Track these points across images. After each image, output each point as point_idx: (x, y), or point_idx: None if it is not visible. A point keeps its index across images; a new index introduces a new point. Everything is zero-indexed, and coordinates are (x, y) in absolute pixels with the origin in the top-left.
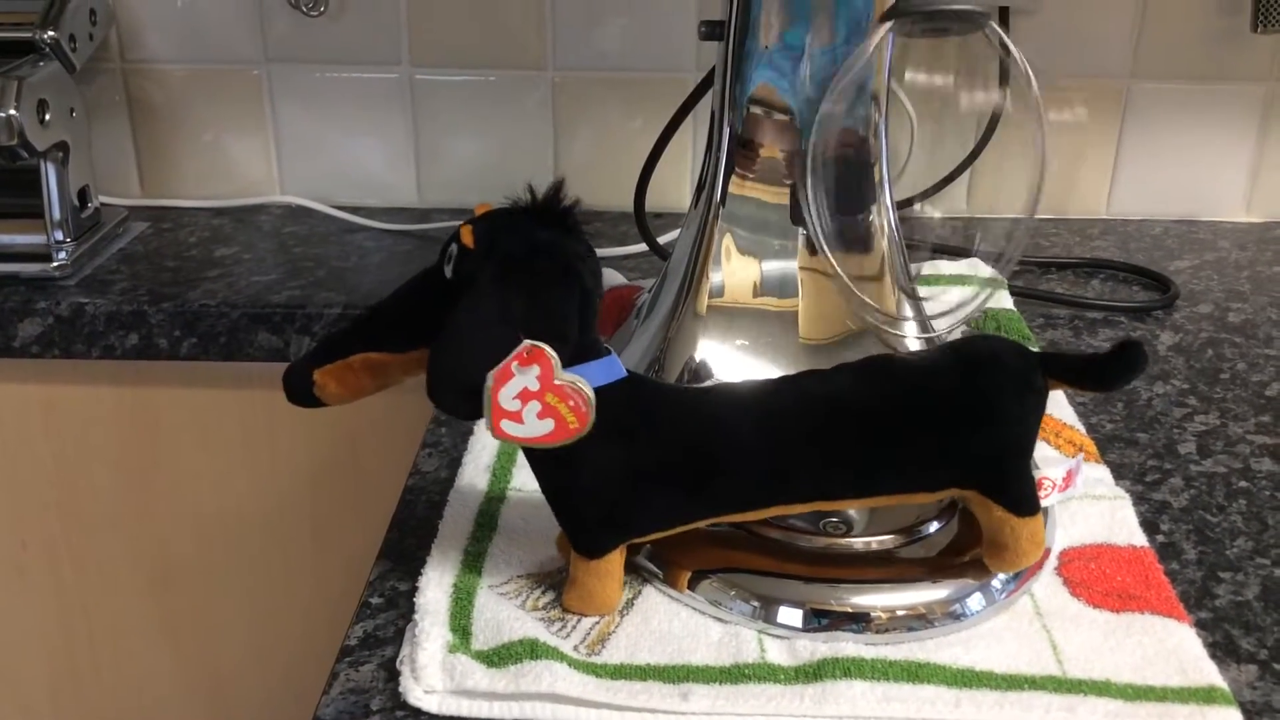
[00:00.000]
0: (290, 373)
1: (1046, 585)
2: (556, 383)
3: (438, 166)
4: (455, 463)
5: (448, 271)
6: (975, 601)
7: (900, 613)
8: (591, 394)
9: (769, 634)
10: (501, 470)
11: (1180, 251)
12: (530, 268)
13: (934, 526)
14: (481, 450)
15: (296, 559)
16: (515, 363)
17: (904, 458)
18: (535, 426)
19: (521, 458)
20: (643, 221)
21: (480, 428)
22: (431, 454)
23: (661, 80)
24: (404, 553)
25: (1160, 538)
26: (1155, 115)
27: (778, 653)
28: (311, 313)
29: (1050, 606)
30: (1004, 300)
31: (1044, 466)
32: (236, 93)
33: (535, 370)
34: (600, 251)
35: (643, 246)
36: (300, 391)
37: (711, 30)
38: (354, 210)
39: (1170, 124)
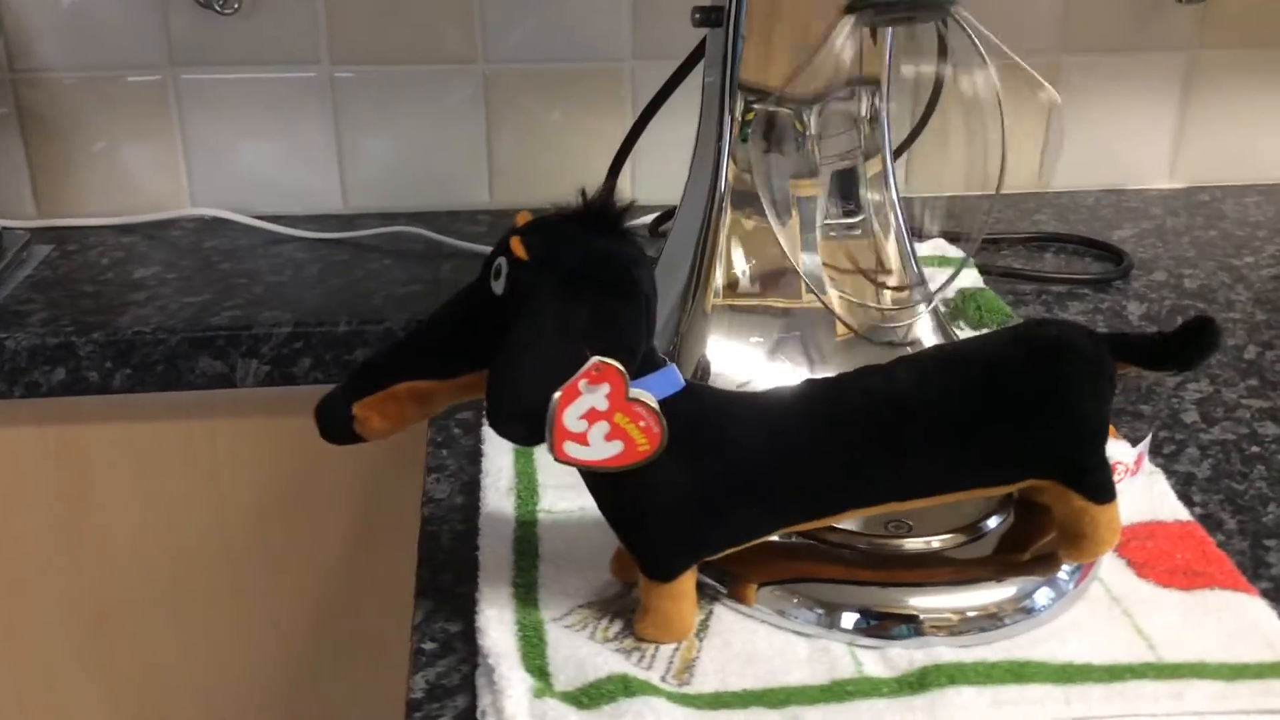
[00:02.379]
0: (325, 409)
1: (1112, 569)
2: (627, 401)
3: (362, 169)
4: (469, 487)
5: (497, 288)
6: (1043, 596)
7: (971, 613)
8: (661, 414)
9: (858, 645)
10: (526, 492)
11: (1118, 221)
12: (593, 278)
13: (993, 522)
14: (498, 473)
15: (247, 594)
16: (584, 380)
17: (979, 454)
18: (601, 449)
19: (546, 477)
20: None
21: (490, 447)
22: (440, 479)
23: (595, 71)
24: (442, 590)
25: (1197, 509)
26: (1085, 87)
27: (874, 664)
28: (259, 333)
29: (1122, 591)
30: (974, 279)
31: (1113, 451)
32: (138, 100)
33: (605, 389)
34: (485, 248)
35: None
36: (338, 428)
37: (707, 17)
38: (274, 219)
39: (1098, 95)
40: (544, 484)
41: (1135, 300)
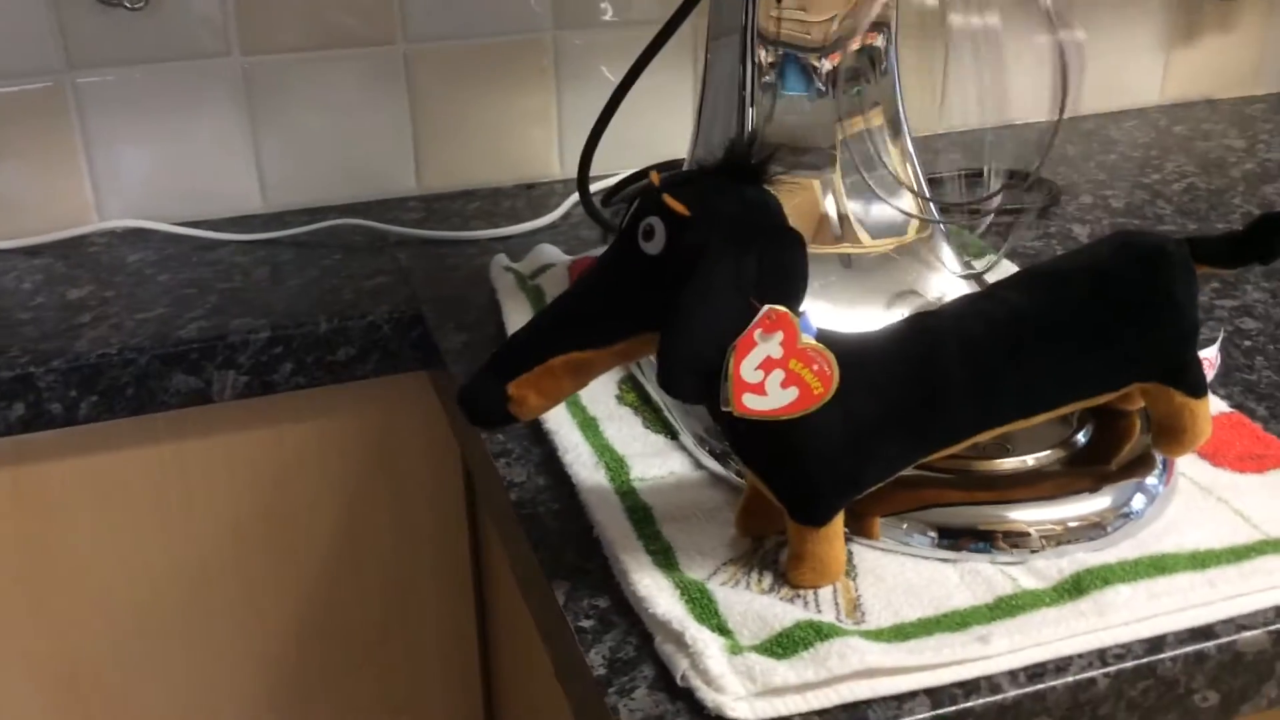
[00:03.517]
0: (475, 393)
1: (1189, 465)
2: (799, 346)
3: (282, 164)
4: (544, 468)
5: (651, 248)
6: (1138, 501)
7: (1073, 524)
8: (832, 356)
9: (999, 563)
10: (614, 464)
11: (1024, 155)
12: (759, 227)
13: (1082, 436)
14: (576, 449)
15: (224, 621)
16: (759, 330)
17: (1097, 362)
18: (779, 397)
19: (624, 448)
20: (586, 192)
21: (553, 425)
22: (510, 464)
23: (517, 44)
24: (572, 568)
25: (1228, 402)
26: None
27: (1025, 578)
28: (235, 342)
29: (1207, 481)
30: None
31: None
32: (32, 111)
33: (778, 336)
34: (480, 234)
35: (530, 226)
36: (493, 411)
37: None
38: (193, 225)
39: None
40: (625, 454)
41: (1076, 223)
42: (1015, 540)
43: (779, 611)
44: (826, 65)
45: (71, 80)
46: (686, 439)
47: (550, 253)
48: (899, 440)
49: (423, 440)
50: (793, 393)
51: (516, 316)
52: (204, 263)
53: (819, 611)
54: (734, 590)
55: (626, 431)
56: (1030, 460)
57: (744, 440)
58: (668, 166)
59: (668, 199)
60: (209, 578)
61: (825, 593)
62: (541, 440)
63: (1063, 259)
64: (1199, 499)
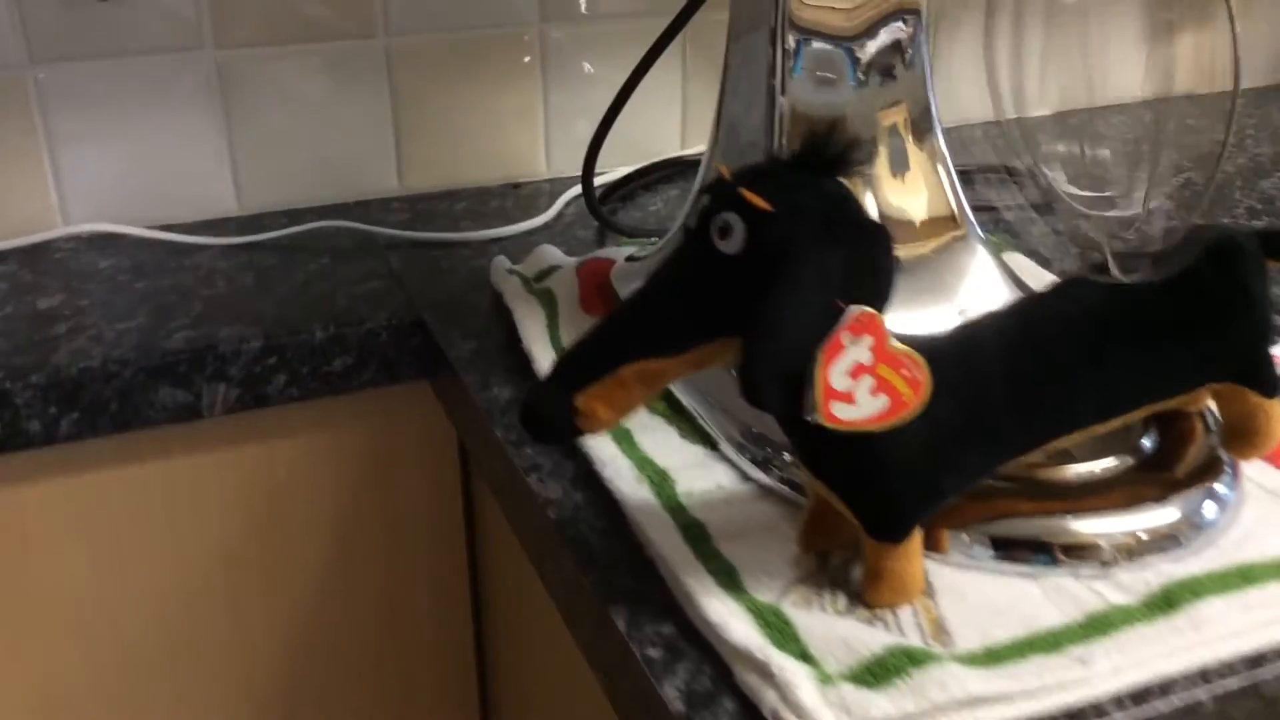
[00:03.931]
0: (541, 404)
1: (1252, 469)
2: (889, 350)
3: (258, 164)
4: (581, 483)
5: (728, 246)
6: (1210, 509)
7: (1144, 535)
8: (924, 362)
9: (1080, 576)
10: (658, 477)
11: (1006, 150)
12: (846, 223)
13: (1148, 441)
14: (614, 462)
15: (212, 648)
16: (846, 333)
17: (1174, 362)
18: (869, 405)
19: (664, 460)
20: (590, 192)
21: (585, 437)
22: (544, 479)
23: (501, 38)
24: (629, 592)
25: None
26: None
27: (1112, 592)
28: (225, 352)
29: (1273, 485)
30: None
31: None
32: None
33: (868, 340)
34: (473, 235)
35: (524, 226)
36: (560, 425)
37: None
38: (165, 229)
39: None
40: (667, 467)
41: (1081, 219)
42: (1088, 553)
43: (864, 636)
44: (863, 53)
45: (33, 75)
46: (727, 449)
47: (552, 254)
48: (980, 447)
49: (420, 452)
50: (883, 401)
51: (530, 322)
52: (182, 268)
53: (902, 634)
54: (809, 613)
55: (664, 443)
56: (1097, 468)
57: (818, 452)
58: (664, 165)
59: (747, 194)
60: (195, 603)
61: (905, 613)
62: (572, 453)
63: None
64: (1269, 504)
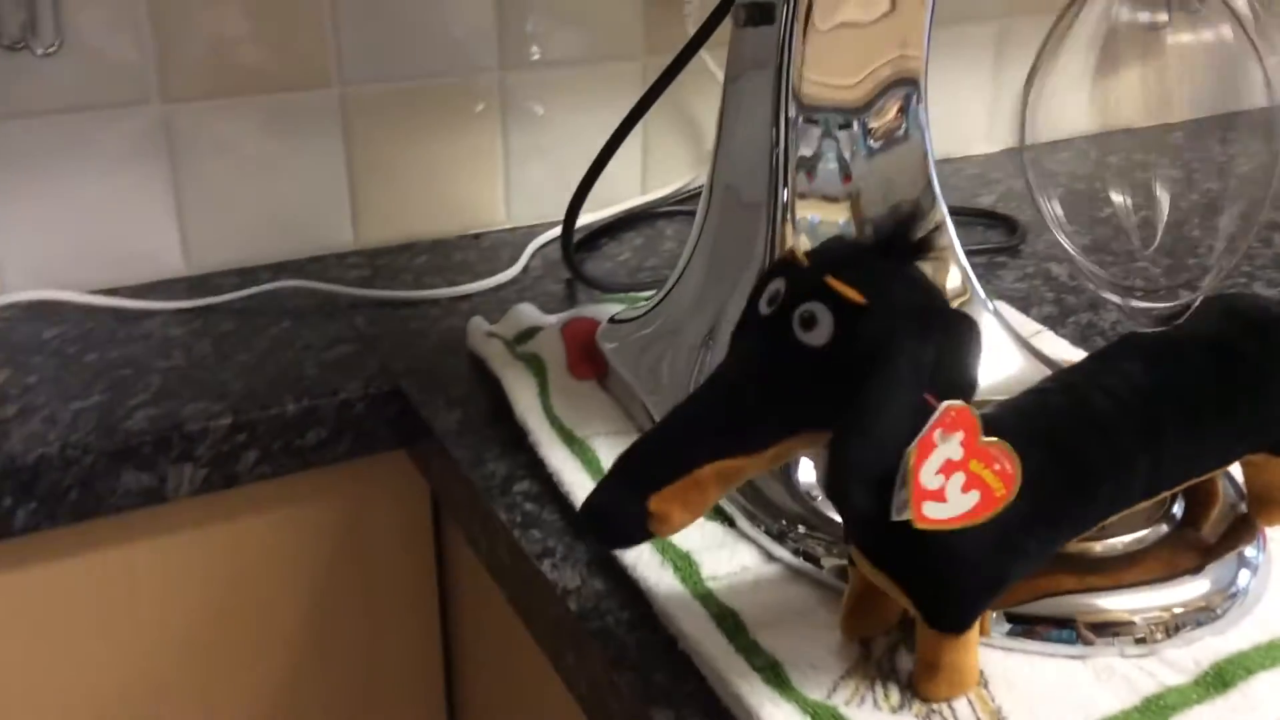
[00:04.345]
0: (607, 509)
1: (1275, 532)
2: (980, 445)
3: (207, 221)
4: (598, 569)
5: (814, 338)
6: (1244, 578)
7: (1178, 609)
8: (1015, 454)
9: (1128, 655)
10: (681, 561)
11: (973, 189)
12: (938, 314)
13: (1178, 509)
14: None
15: None
16: (938, 430)
17: (1218, 437)
18: (960, 503)
19: (681, 542)
20: (569, 247)
21: None
22: (558, 565)
23: (458, 87)
24: (666, 692)
25: None
26: None
27: (1164, 671)
28: (192, 431)
29: None
30: None
31: None
32: None
33: (959, 436)
34: (440, 293)
35: (492, 282)
36: (631, 530)
37: (753, 14)
38: (109, 293)
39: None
40: (689, 549)
41: (1052, 262)
42: (1126, 629)
43: None
44: (870, 121)
45: None
46: (744, 524)
47: (530, 314)
48: (1042, 532)
49: (395, 524)
50: (974, 497)
51: (521, 391)
52: (132, 338)
53: None
54: (861, 709)
55: None
56: (1132, 538)
57: (881, 543)
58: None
59: (836, 284)
60: (164, 695)
61: (962, 706)
62: (584, 536)
63: (1170, 330)
64: None
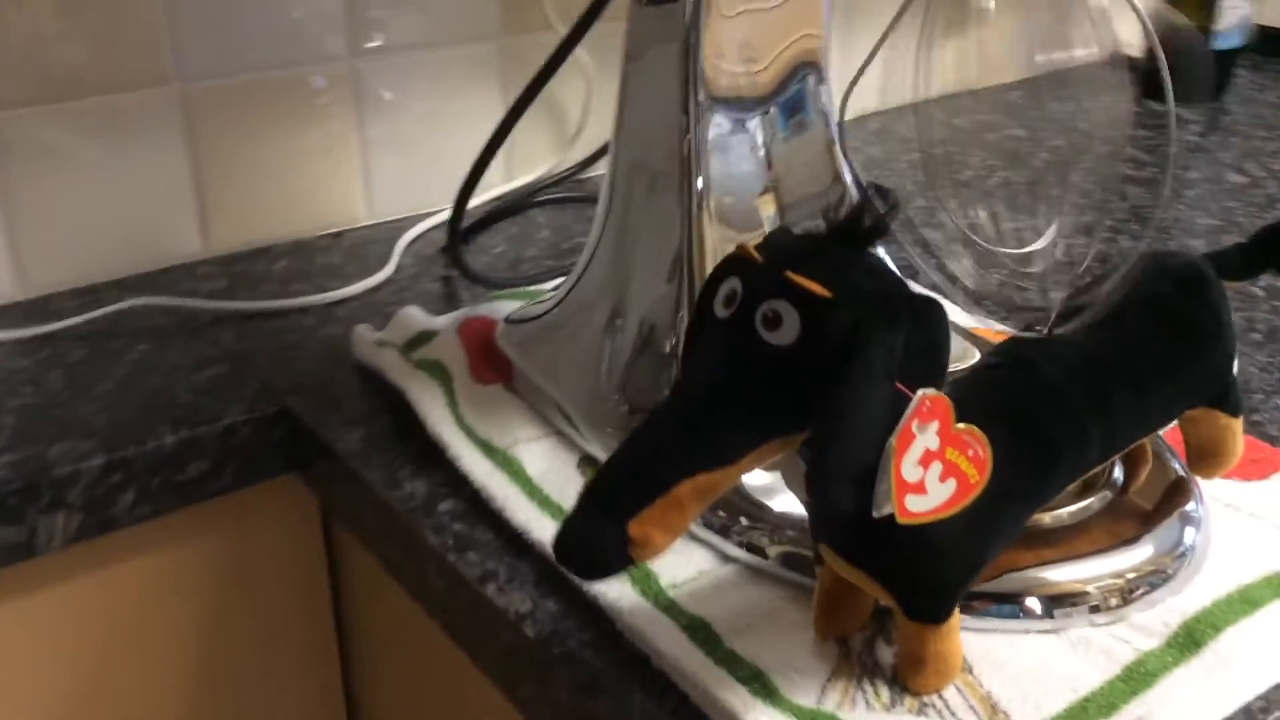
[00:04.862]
0: (586, 539)
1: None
2: (954, 432)
3: (40, 238)
4: (547, 589)
5: (779, 338)
6: (1189, 535)
7: (1131, 575)
8: (986, 438)
9: (1097, 624)
10: (639, 573)
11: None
12: (904, 300)
13: (1119, 474)
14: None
15: None
16: (916, 421)
17: (1162, 395)
18: (939, 493)
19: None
20: (456, 243)
21: (536, 530)
22: (504, 589)
23: (308, 77)
24: (648, 715)
25: None
26: None
27: (1137, 637)
28: (61, 475)
29: (1229, 497)
30: None
31: None
32: None
33: (934, 425)
34: (309, 300)
35: (365, 285)
36: (612, 559)
37: None
38: None
39: None
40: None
41: (930, 229)
42: (1088, 599)
43: None
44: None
45: None
46: (692, 525)
47: (418, 317)
48: (1012, 510)
49: (286, 551)
50: (950, 486)
51: (429, 403)
52: None
53: None
54: (855, 711)
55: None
56: (1074, 508)
57: (854, 539)
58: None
59: (798, 279)
60: None
61: (953, 695)
62: (524, 552)
63: (1113, 294)
64: (1233, 519)
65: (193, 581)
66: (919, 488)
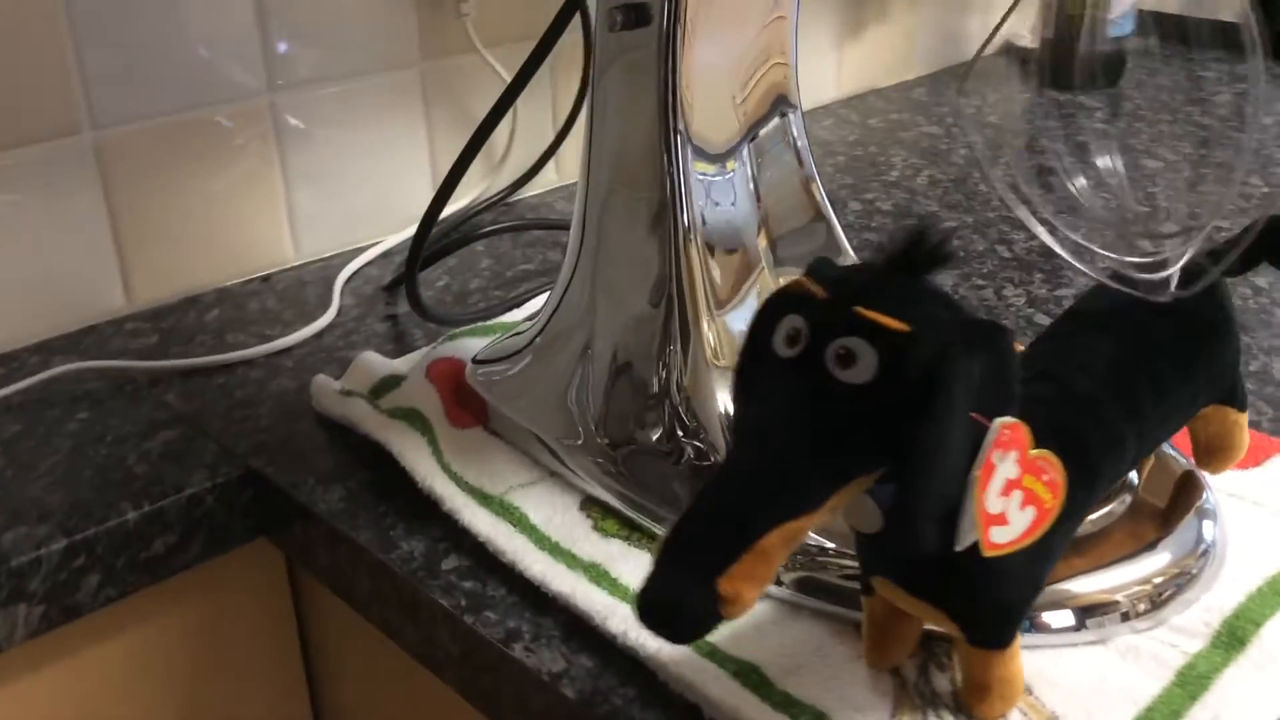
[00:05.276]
0: (673, 601)
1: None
2: (1030, 459)
3: None
4: (579, 644)
5: (854, 376)
6: (1209, 530)
7: (1159, 580)
8: (1059, 459)
9: (1139, 630)
10: None
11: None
12: (977, 329)
13: (1134, 476)
14: (606, 609)
15: None
16: (997, 451)
17: (1183, 395)
18: (1019, 522)
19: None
20: (414, 279)
21: (553, 580)
22: (533, 648)
23: (222, 117)
24: None
25: None
26: None
27: (1183, 640)
28: (21, 565)
29: (1233, 488)
30: None
31: None
32: None
33: (1014, 454)
34: (253, 351)
35: (310, 330)
36: (702, 619)
37: (630, 17)
38: None
39: None
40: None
41: (866, 232)
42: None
43: None
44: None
45: None
46: None
47: (378, 362)
48: (1063, 529)
49: (256, 620)
50: (1030, 514)
51: (416, 455)
52: None
53: None
54: None
55: (645, 571)
56: (1095, 515)
57: (915, 570)
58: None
59: (872, 315)
60: None
61: (1016, 718)
62: (544, 606)
63: (1108, 294)
64: (1241, 509)
65: (162, 662)
66: (1001, 519)
